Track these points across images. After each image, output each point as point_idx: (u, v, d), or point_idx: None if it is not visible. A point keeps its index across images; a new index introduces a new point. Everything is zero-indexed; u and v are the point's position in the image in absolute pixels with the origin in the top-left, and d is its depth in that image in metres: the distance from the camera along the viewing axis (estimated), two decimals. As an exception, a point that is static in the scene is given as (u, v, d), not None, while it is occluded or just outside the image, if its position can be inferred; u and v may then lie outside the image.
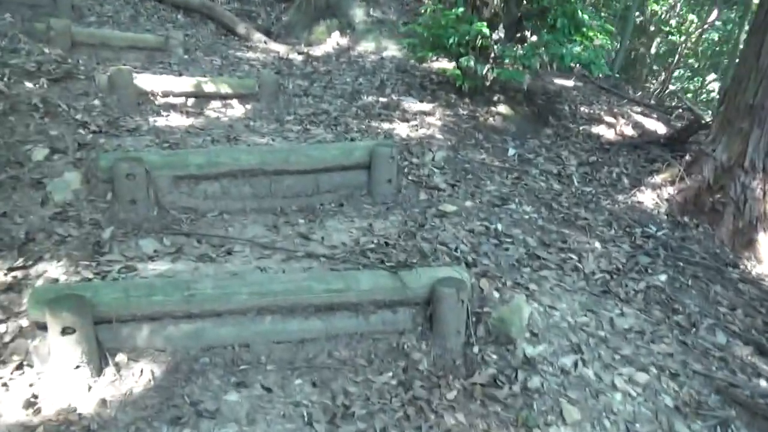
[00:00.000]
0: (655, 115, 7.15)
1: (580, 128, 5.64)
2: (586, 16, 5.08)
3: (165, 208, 3.23)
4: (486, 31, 4.79)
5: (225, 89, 4.86)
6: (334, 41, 7.65)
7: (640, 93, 9.94)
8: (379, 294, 2.60)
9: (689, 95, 19.09)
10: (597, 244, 3.51)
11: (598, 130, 5.72)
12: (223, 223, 3.24)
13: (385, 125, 4.79)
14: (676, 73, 17.56)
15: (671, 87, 14.05)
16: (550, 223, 3.71)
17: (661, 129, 6.49)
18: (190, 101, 4.69)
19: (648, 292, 3.15)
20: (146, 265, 2.69)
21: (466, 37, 4.96)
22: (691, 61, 17.10)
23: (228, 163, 3.39)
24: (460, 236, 3.36)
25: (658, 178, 4.55)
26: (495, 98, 5.48)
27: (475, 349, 2.58)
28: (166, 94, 4.54)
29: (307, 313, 2.52)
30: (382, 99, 5.42)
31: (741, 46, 14.18)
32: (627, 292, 3.12)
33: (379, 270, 2.71)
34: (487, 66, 5.17)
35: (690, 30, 15.51)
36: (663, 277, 3.32)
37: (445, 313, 2.57)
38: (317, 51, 7.38)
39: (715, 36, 16.69)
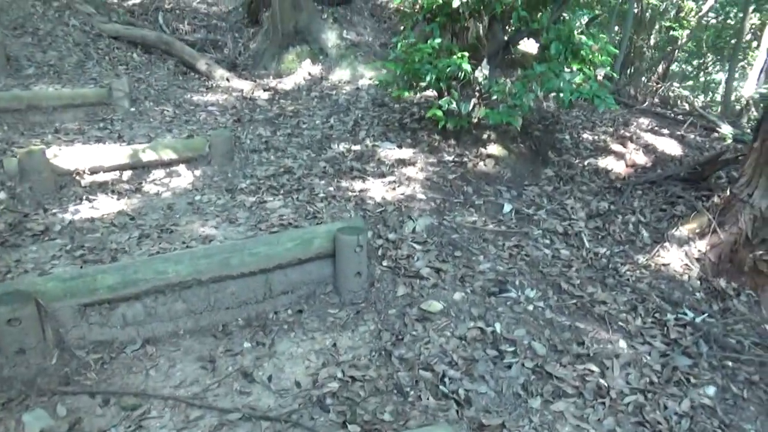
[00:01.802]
0: (666, 131, 6.42)
1: (585, 163, 4.92)
2: (584, 38, 4.36)
3: (69, 350, 2.52)
4: (468, 67, 4.07)
5: (169, 155, 4.16)
6: (305, 71, 6.95)
7: (645, 99, 9.17)
8: (336, 490, 1.89)
9: (690, 82, 18.36)
10: (622, 344, 2.79)
11: (606, 163, 4.99)
12: (145, 362, 2.53)
13: (357, 185, 4.08)
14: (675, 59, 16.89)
15: (674, 85, 13.26)
16: (560, 314, 2.99)
17: (675, 149, 5.76)
18: (126, 174, 3.99)
19: (695, 417, 2.43)
20: (19, 465, 1.98)
21: (446, 72, 4.25)
22: (690, 47, 16.33)
23: (150, 278, 2.68)
24: (449, 350, 2.66)
25: (684, 230, 3.82)
26: (485, 136, 4.76)
27: None
28: (94, 171, 3.84)
29: None
30: (355, 147, 4.71)
31: (740, 25, 13.35)
32: (668, 420, 2.40)
33: (335, 449, 2.00)
34: (473, 102, 4.46)
35: (689, 19, 14.82)
36: (711, 390, 2.60)
37: None
38: (287, 83, 6.69)
39: (713, 20, 15.98)
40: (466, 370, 2.56)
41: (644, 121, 6.82)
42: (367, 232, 3.06)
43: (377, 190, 4.00)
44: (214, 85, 6.39)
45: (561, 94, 3.91)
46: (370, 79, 6.35)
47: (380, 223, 3.57)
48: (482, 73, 4.16)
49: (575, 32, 4.35)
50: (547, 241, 3.71)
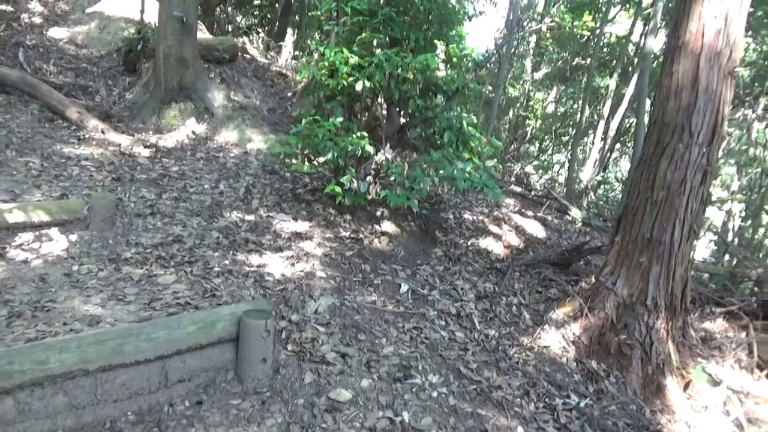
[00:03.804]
0: (530, 212, 7.08)
1: (469, 243, 5.24)
2: (471, 129, 4.74)
3: None
4: (370, 148, 4.21)
5: (39, 216, 3.73)
6: (189, 129, 6.69)
7: (504, 176, 10.10)
8: None
9: (535, 162, 20.60)
10: (520, 430, 2.94)
11: (487, 244, 5.36)
12: (15, 472, 2.17)
13: (255, 259, 3.95)
14: (525, 148, 18.96)
15: (526, 165, 14.80)
16: (462, 400, 3.08)
17: (540, 231, 6.36)
18: (-14, 237, 3.50)
19: (588, 503, 2.61)
20: None
21: (347, 150, 4.35)
22: (534, 127, 18.44)
23: (28, 369, 2.34)
24: (361, 443, 2.60)
25: (559, 313, 4.19)
26: (378, 213, 4.89)
27: None
28: (-53, 232, 3.32)
29: None
30: (248, 217, 4.58)
31: (579, 117, 15.36)
32: (566, 507, 2.55)
33: None
34: (369, 180, 4.59)
35: (536, 107, 16.85)
36: (598, 474, 2.82)
37: None
38: (169, 141, 6.37)
39: (554, 108, 18.30)
40: (380, 465, 2.52)
41: (511, 202, 7.47)
42: (273, 316, 2.96)
43: (276, 265, 3.91)
44: (87, 136, 5.89)
45: (456, 183, 4.17)
46: (266, 147, 6.28)
47: (282, 303, 3.47)
48: (384, 156, 4.32)
49: (465, 123, 4.71)
50: (443, 323, 3.85)
